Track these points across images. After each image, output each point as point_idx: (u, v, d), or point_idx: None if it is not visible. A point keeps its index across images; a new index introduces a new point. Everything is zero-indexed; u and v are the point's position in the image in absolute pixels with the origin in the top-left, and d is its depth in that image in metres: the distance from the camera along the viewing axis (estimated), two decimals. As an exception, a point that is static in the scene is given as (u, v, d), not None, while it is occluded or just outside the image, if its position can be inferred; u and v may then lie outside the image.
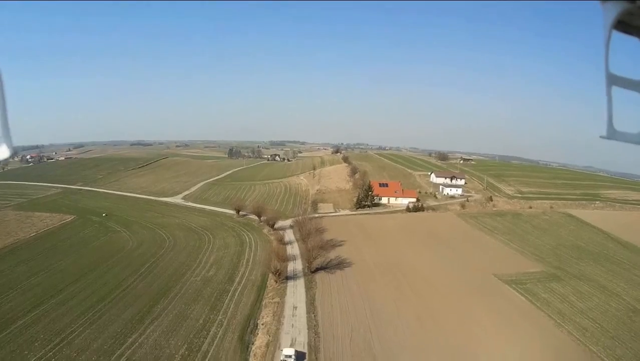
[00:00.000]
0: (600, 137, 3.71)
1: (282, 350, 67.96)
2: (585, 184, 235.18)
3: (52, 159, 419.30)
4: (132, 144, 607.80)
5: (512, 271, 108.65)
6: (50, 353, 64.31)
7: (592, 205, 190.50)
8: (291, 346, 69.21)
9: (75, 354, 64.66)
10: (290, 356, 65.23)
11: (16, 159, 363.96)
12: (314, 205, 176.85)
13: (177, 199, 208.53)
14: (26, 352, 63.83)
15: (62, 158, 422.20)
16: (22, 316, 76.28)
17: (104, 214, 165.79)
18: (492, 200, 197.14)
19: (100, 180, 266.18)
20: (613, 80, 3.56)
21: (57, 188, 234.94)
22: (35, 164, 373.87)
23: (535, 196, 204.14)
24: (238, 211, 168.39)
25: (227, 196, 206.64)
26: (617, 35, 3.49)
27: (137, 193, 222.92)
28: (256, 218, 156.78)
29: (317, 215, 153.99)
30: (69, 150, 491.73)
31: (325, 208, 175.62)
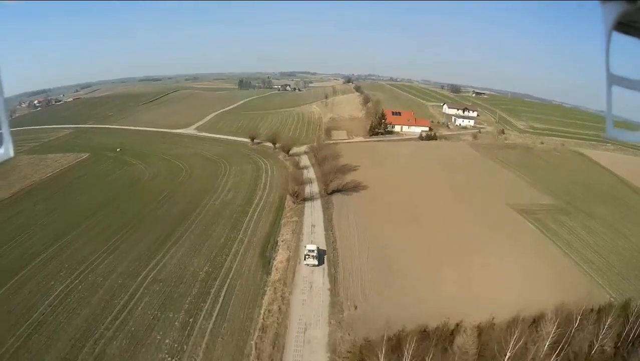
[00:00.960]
0: (602, 137, 3.48)
1: (305, 246, 75.12)
2: (597, 125, 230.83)
3: (60, 101, 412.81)
4: (141, 80, 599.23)
5: (524, 201, 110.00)
6: (77, 281, 66.59)
7: (603, 147, 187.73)
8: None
9: (101, 279, 67.14)
10: (312, 251, 72.09)
11: (23, 105, 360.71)
12: (328, 132, 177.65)
13: (190, 130, 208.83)
14: (52, 282, 65.82)
15: (71, 99, 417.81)
16: (45, 250, 77.68)
17: (118, 149, 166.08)
18: (504, 133, 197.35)
19: (111, 117, 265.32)
20: (613, 80, 3.66)
21: (69, 128, 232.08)
22: (43, 108, 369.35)
23: (546, 132, 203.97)
24: (252, 139, 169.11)
25: (240, 126, 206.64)
26: (617, 36, 3.55)
27: (149, 127, 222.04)
28: (271, 145, 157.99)
29: (331, 142, 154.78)
30: (77, 91, 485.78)
31: (338, 136, 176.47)
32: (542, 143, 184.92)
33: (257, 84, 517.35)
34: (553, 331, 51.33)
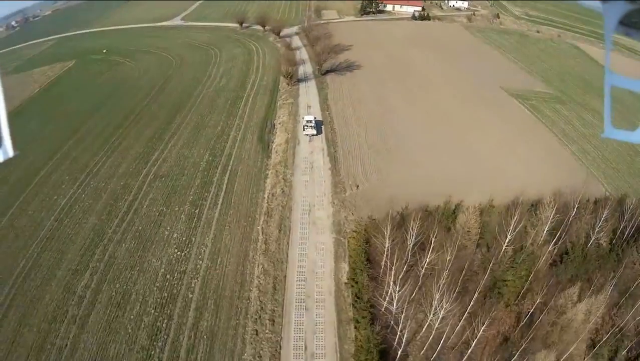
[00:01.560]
0: (601, 136, 3.83)
1: (303, 118, 77.28)
2: (595, 22, 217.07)
3: (38, 17, 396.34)
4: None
5: (519, 86, 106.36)
6: (79, 190, 65.08)
7: (601, 44, 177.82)
8: (310, 141, 70.33)
9: (103, 183, 65.75)
10: (310, 122, 74.67)
11: (0, 29, 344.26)
12: (317, 12, 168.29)
13: (176, 21, 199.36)
14: (55, 197, 64.01)
15: (49, 12, 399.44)
16: (43, 166, 74.90)
17: (104, 51, 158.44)
18: (499, 17, 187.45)
19: (93, 20, 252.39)
20: (613, 80, 3.77)
21: (51, 40, 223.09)
22: (22, 27, 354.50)
23: (543, 21, 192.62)
24: (241, 23, 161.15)
25: (228, 11, 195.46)
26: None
27: (134, 24, 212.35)
28: (260, 28, 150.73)
29: (321, 22, 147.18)
30: (55, 3, 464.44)
31: (329, 15, 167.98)
32: (538, 32, 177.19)
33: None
34: (552, 216, 50.37)
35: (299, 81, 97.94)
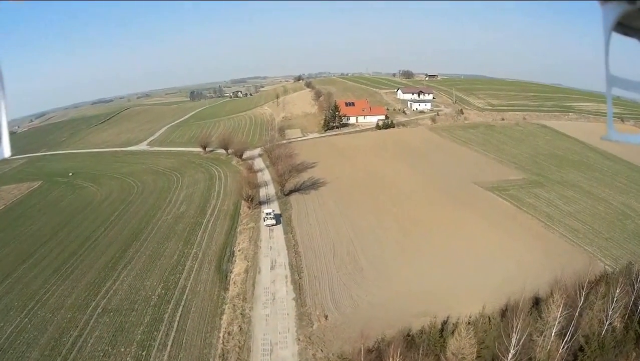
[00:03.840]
0: (601, 138, 3.60)
1: (262, 210, 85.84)
2: (557, 96, 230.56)
3: (14, 133, 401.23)
4: (93, 103, 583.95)
5: (493, 178, 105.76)
6: (26, 319, 58.93)
7: (566, 116, 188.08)
8: (272, 269, 66.01)
9: (50, 315, 59.64)
10: (269, 213, 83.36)
11: None
12: (281, 132, 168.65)
13: (142, 147, 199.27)
14: (1, 324, 58.09)
15: (26, 129, 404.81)
16: None
17: (70, 174, 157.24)
18: (462, 113, 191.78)
19: (64, 142, 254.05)
20: (613, 81, 3.32)
21: (22, 158, 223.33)
22: None
23: (506, 108, 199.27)
24: (204, 148, 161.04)
25: (192, 135, 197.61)
26: (617, 37, 3.26)
27: (102, 148, 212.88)
28: (224, 151, 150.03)
29: (285, 141, 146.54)
30: (32, 121, 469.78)
31: (293, 134, 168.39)
32: (503, 120, 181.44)
33: (208, 94, 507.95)
34: (559, 315, 44.26)
35: (261, 203, 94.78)
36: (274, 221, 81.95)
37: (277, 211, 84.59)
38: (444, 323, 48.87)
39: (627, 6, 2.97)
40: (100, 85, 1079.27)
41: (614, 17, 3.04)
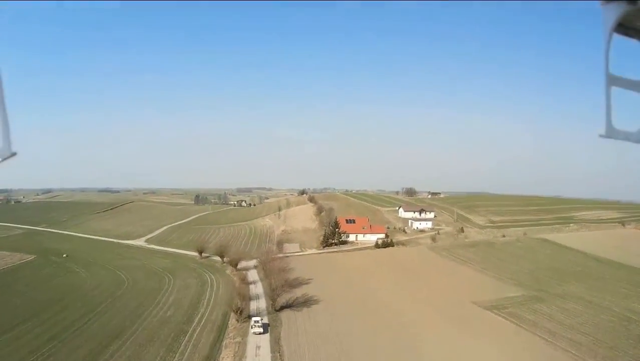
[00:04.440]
0: (600, 135, 3.57)
1: (251, 318, 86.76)
2: (557, 208, 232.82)
3: (19, 202, 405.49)
4: (100, 190, 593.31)
5: (492, 297, 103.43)
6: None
7: (567, 228, 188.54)
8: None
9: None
10: (257, 322, 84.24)
11: None
12: (280, 245, 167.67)
13: (139, 242, 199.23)
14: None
15: (30, 201, 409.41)
16: None
17: (64, 255, 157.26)
18: (463, 231, 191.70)
19: (64, 223, 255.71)
20: (613, 81, 3.45)
21: (21, 228, 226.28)
22: (2, 206, 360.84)
23: (508, 224, 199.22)
24: (201, 253, 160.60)
25: (191, 239, 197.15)
26: (617, 37, 3.38)
27: (100, 236, 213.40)
28: (219, 259, 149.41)
29: (282, 255, 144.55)
30: (37, 195, 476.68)
31: (291, 248, 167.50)
32: (503, 236, 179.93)
33: (213, 200, 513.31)
34: None
35: (251, 317, 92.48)
36: (261, 330, 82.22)
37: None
38: None
39: (628, 7, 3.15)
40: (109, 174, 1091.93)
41: (615, 18, 3.21)
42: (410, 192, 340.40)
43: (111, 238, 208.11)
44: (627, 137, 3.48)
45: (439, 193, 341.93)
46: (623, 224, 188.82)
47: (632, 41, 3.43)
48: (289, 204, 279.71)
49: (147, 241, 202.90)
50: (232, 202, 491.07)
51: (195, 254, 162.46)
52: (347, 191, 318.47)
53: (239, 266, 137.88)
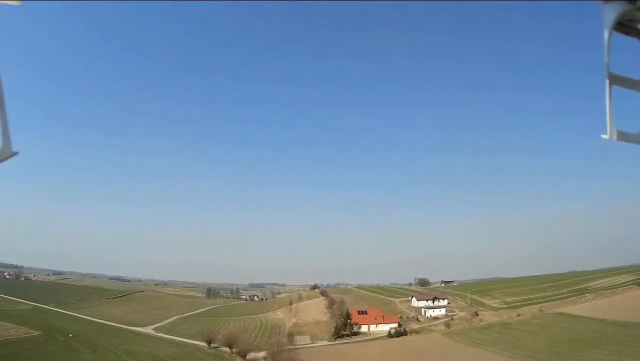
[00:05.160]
0: (602, 137, 3.43)
1: None
2: (571, 281, 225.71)
3: (29, 278, 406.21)
4: (111, 278, 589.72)
5: None
6: None
7: (583, 298, 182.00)
8: None
9: None
10: None
11: None
12: (290, 337, 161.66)
13: (148, 330, 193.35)
14: None
15: (41, 279, 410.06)
16: None
17: (70, 335, 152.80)
18: (477, 315, 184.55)
19: (72, 304, 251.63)
20: (614, 80, 3.42)
21: (29, 305, 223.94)
22: (12, 281, 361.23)
23: (522, 303, 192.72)
24: (209, 343, 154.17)
25: (200, 330, 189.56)
26: (617, 37, 3.35)
27: (108, 321, 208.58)
28: (228, 349, 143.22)
29: (292, 347, 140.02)
30: (48, 275, 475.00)
31: (302, 340, 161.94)
32: (518, 315, 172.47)
33: (225, 294, 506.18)
34: None
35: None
36: None
37: None
38: None
39: (628, 6, 3.05)
40: (121, 263, 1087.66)
41: (615, 17, 3.10)
42: (423, 282, 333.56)
43: (119, 323, 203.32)
44: (629, 138, 3.39)
45: (452, 281, 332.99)
46: (639, 285, 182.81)
47: (633, 40, 3.36)
48: (300, 298, 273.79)
49: (155, 329, 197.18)
50: (244, 296, 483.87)
51: (204, 344, 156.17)
52: (360, 285, 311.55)
53: (247, 357, 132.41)
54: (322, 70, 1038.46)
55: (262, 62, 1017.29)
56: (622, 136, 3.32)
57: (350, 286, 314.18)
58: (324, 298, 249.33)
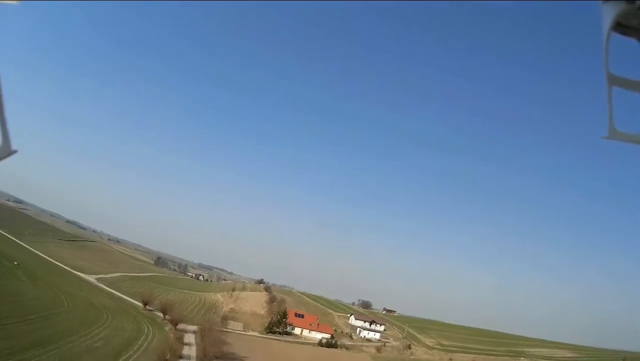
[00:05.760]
0: (602, 138, 3.55)
1: None
2: (510, 342, 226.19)
3: None
4: (68, 221, 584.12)
5: None
6: None
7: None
8: None
9: None
10: None
11: None
12: (224, 319, 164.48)
13: (91, 278, 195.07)
14: None
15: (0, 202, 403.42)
16: None
17: (15, 263, 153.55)
18: (410, 348, 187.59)
19: (25, 236, 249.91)
20: (613, 80, 3.52)
21: None
22: None
23: (456, 349, 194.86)
24: (145, 305, 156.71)
25: (140, 291, 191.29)
26: (617, 37, 3.46)
27: (55, 260, 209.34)
28: (161, 315, 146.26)
29: (224, 329, 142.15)
30: (8, 200, 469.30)
31: (234, 326, 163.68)
32: (450, 360, 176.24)
33: (173, 266, 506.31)
34: None
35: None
36: None
37: None
38: None
39: (626, 6, 3.09)
40: (82, 209, 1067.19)
41: (613, 17, 3.15)
42: (366, 305, 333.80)
43: (65, 265, 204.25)
44: (629, 139, 3.54)
45: (394, 311, 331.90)
46: None
47: (631, 40, 3.48)
48: (244, 288, 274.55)
49: (97, 279, 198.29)
50: (191, 273, 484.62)
51: (140, 305, 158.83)
52: (304, 292, 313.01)
53: (178, 327, 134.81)
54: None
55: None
56: (622, 137, 3.45)
57: (294, 290, 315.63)
58: (266, 293, 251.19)
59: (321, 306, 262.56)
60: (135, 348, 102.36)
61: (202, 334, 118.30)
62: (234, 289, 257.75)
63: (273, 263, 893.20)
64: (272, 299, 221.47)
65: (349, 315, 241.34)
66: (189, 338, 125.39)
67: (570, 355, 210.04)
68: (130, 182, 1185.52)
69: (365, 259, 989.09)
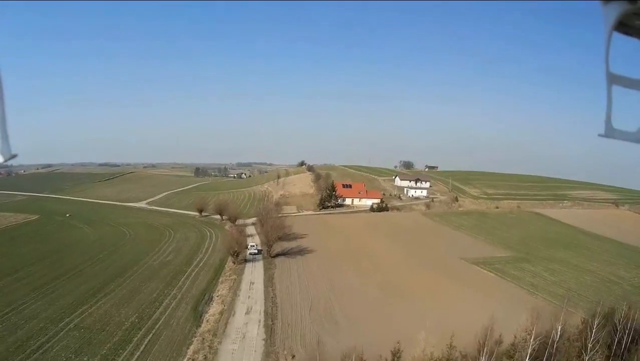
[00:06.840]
0: (599, 135, 3.54)
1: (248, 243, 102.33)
2: (553, 185, 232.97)
3: (19, 174, 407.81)
4: (101, 164, 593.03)
5: (480, 255, 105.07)
6: (-1, 322, 58.72)
7: (560, 204, 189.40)
8: (247, 313, 65.33)
9: (23, 321, 59.47)
10: (254, 246, 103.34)
11: None
12: (277, 206, 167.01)
13: (141, 204, 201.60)
14: (-24, 323, 57.85)
15: (31, 172, 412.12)
16: None
17: (67, 215, 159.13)
18: (457, 200, 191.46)
19: (67, 190, 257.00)
20: (613, 79, 3.41)
21: (24, 195, 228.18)
22: (3, 178, 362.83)
23: (501, 197, 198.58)
24: (201, 212, 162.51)
25: (191, 202, 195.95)
26: (617, 36, 3.35)
27: (102, 200, 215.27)
28: (219, 217, 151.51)
29: (280, 215, 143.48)
30: (37, 169, 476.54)
31: (288, 210, 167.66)
32: (497, 208, 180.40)
33: (213, 173, 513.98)
34: (531, 346, 43.53)
35: (247, 261, 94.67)
36: (256, 250, 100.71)
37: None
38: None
39: (628, 6, 3.08)
40: (109, 150, 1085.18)
41: (615, 17, 3.14)
42: (408, 165, 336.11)
43: (113, 201, 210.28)
44: (627, 137, 3.49)
45: (436, 167, 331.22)
46: (617, 205, 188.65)
47: (633, 40, 3.41)
48: (288, 174, 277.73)
49: (148, 203, 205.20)
50: (232, 175, 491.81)
51: (196, 214, 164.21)
52: (345, 165, 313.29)
53: (237, 223, 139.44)
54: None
55: None
56: (620, 135, 3.43)
57: (336, 165, 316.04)
58: (310, 173, 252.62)
59: (365, 173, 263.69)
60: (203, 250, 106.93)
61: (261, 222, 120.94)
62: (279, 176, 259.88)
63: (309, 146, 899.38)
64: (317, 177, 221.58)
65: (393, 177, 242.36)
66: (250, 230, 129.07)
67: (611, 196, 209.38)
68: (145, 107, 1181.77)
69: (401, 124, 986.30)
